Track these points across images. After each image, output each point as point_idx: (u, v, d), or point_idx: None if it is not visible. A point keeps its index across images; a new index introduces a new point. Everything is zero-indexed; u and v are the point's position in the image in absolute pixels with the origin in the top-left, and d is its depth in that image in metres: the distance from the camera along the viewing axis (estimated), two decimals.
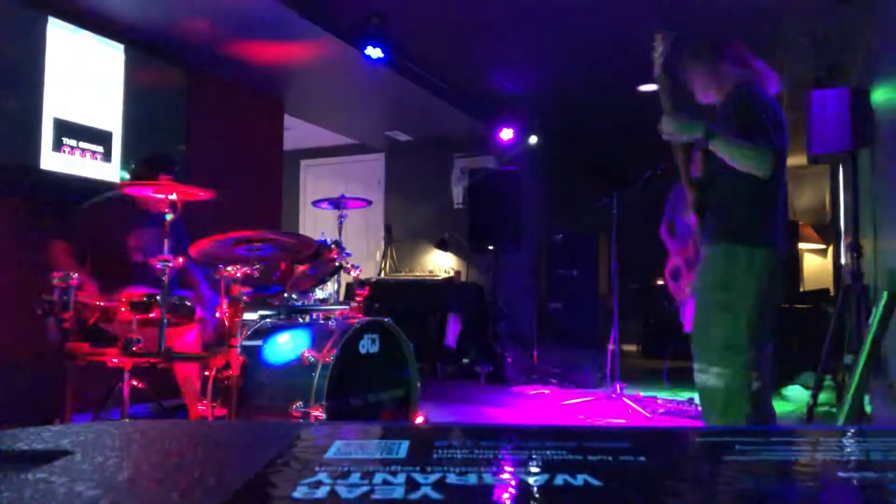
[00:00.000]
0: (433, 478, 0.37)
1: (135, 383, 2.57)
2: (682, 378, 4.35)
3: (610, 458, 0.42)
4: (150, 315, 2.49)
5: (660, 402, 4.37)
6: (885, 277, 1.72)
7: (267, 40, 4.27)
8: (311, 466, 0.40)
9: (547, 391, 5.02)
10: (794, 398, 4.70)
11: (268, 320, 2.98)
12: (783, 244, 2.32)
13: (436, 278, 6.17)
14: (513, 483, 0.37)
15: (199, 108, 4.47)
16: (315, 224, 7.33)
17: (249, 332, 2.83)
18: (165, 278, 2.37)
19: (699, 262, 2.42)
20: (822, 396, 3.72)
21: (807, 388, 4.37)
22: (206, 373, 2.70)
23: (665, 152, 2.57)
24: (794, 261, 6.49)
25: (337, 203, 3.50)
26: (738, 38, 2.50)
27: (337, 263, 3.16)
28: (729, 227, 2.31)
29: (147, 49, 4.11)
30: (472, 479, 0.37)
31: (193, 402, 2.84)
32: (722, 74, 2.40)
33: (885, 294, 1.86)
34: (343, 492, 0.35)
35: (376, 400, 2.90)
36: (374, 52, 4.24)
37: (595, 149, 7.73)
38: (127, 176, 3.22)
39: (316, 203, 3.64)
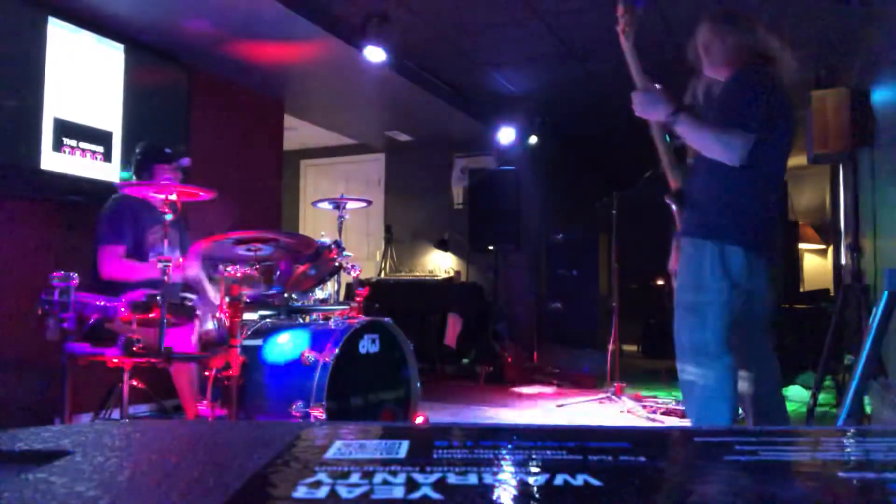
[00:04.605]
0: (433, 478, 0.37)
1: (135, 383, 2.57)
2: None
3: (610, 458, 0.42)
4: (150, 315, 2.49)
5: (660, 402, 4.37)
6: (884, 277, 1.71)
7: (267, 40, 4.26)
8: (311, 466, 0.40)
9: (547, 391, 5.03)
10: (794, 398, 4.70)
11: (268, 320, 2.98)
12: (772, 245, 2.08)
13: (436, 278, 6.17)
14: (513, 483, 0.37)
15: (199, 108, 4.47)
16: (315, 224, 7.33)
17: (249, 332, 2.83)
18: (166, 278, 2.38)
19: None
20: (822, 396, 3.73)
21: (807, 388, 4.37)
22: (207, 373, 2.70)
23: None
24: (795, 261, 6.49)
25: (337, 203, 3.50)
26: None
27: (337, 263, 3.16)
28: (699, 219, 2.10)
29: (147, 49, 4.11)
30: (472, 479, 0.37)
31: (189, 402, 2.84)
32: (741, 49, 2.12)
33: (885, 294, 1.86)
34: (343, 492, 0.35)
35: (376, 400, 2.90)
36: (374, 53, 4.24)
37: (595, 149, 7.73)
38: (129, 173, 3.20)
39: (316, 203, 3.64)
